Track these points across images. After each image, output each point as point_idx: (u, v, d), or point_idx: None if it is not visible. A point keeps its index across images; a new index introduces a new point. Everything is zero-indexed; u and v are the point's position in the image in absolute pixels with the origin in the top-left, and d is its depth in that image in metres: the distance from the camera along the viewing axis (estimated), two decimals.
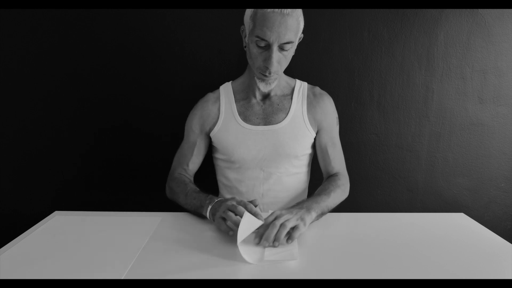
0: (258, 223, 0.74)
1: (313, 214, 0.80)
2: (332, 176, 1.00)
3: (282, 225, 0.72)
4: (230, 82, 1.05)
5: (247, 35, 0.89)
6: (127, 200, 1.32)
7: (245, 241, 0.72)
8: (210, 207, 0.81)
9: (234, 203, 0.77)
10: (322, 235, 0.79)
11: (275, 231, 0.71)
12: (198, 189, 0.92)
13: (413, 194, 1.35)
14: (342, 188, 0.95)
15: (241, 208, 0.74)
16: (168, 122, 1.26)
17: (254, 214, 0.75)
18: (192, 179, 1.02)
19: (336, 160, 1.02)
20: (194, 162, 1.03)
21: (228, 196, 1.04)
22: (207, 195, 0.87)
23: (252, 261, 0.66)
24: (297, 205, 0.82)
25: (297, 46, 0.96)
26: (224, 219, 0.75)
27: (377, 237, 0.78)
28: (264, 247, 0.71)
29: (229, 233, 0.74)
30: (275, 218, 0.74)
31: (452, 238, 0.78)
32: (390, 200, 1.35)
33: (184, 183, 0.95)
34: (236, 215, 0.74)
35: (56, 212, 0.91)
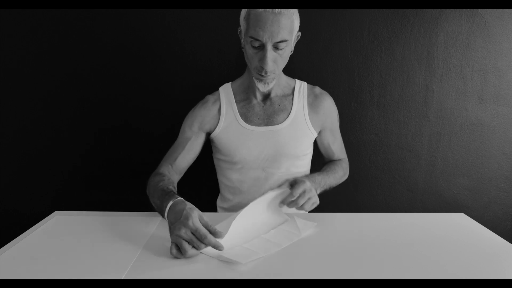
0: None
1: (318, 191, 0.93)
2: (337, 160, 1.09)
3: (302, 206, 0.84)
4: (230, 83, 1.05)
5: (242, 36, 0.89)
6: (127, 200, 1.32)
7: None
8: (167, 209, 0.73)
9: (193, 226, 0.65)
10: (322, 235, 0.78)
11: (302, 201, 0.84)
12: (169, 187, 0.83)
13: (413, 194, 1.35)
14: (344, 171, 1.07)
15: (210, 239, 0.65)
16: (168, 122, 1.26)
17: (214, 234, 0.68)
18: (173, 178, 0.94)
19: (338, 151, 1.09)
20: (184, 158, 0.98)
21: (229, 196, 1.04)
22: (168, 192, 0.79)
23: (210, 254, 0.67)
24: (310, 177, 0.92)
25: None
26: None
27: (377, 237, 0.78)
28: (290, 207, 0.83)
29: (172, 251, 0.66)
30: (304, 191, 0.85)
31: (452, 238, 0.78)
32: (390, 200, 1.35)
33: (158, 181, 0.86)
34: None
35: (56, 212, 0.91)
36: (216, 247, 0.66)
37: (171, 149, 1.02)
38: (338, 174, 1.03)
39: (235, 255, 0.66)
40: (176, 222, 0.68)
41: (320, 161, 1.10)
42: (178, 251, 0.66)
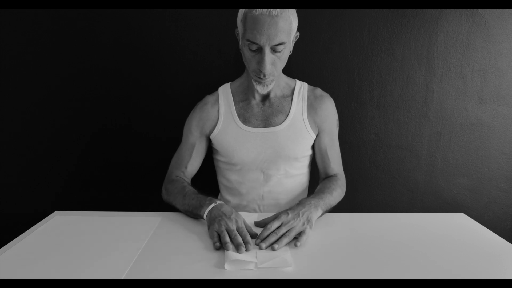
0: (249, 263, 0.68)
1: (319, 211, 0.83)
2: (331, 176, 1.01)
3: (285, 234, 0.74)
4: (229, 83, 1.04)
5: (240, 39, 0.89)
6: (127, 200, 1.32)
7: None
8: (210, 207, 0.81)
9: (234, 228, 0.74)
10: (322, 235, 0.79)
11: (275, 238, 0.73)
12: (196, 191, 0.91)
13: (413, 194, 1.35)
14: (342, 188, 0.99)
15: (239, 239, 0.71)
16: (168, 122, 1.26)
17: (245, 244, 0.71)
18: (190, 182, 1.01)
19: (335, 161, 1.02)
20: (193, 165, 1.01)
21: (228, 197, 1.04)
22: (206, 196, 0.86)
23: (242, 267, 0.64)
24: (302, 203, 0.83)
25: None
26: (219, 235, 0.74)
27: (377, 237, 0.78)
28: (262, 249, 0.71)
29: (215, 244, 0.71)
30: (280, 226, 0.76)
31: (452, 238, 0.78)
32: (390, 200, 1.35)
33: (182, 185, 0.93)
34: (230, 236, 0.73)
35: (56, 212, 0.91)
36: (246, 245, 0.71)
37: (179, 155, 1.02)
38: (336, 192, 0.94)
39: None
40: (223, 216, 0.77)
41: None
42: (220, 242, 0.72)
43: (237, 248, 0.69)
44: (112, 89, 1.24)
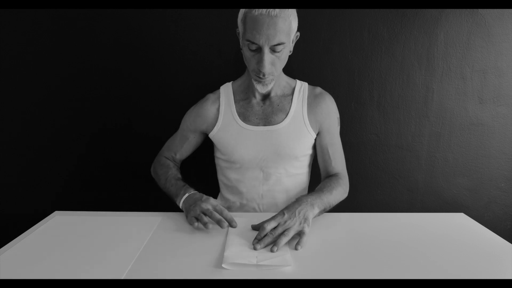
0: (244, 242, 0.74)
1: (316, 210, 0.81)
2: (332, 175, 0.99)
3: (283, 234, 0.73)
4: (231, 82, 1.05)
5: (240, 38, 0.89)
6: (127, 200, 1.32)
7: (233, 244, 0.72)
8: (184, 198, 0.87)
9: (210, 207, 0.81)
10: (322, 235, 0.79)
11: (270, 239, 0.72)
12: (179, 176, 0.98)
13: (413, 194, 1.35)
14: (343, 187, 0.96)
15: (216, 215, 0.78)
16: (168, 122, 1.26)
17: (229, 221, 0.79)
18: (178, 165, 1.07)
19: (337, 160, 1.01)
20: (182, 154, 1.08)
21: (228, 196, 1.04)
22: (183, 184, 0.92)
23: (242, 263, 0.65)
24: (298, 200, 0.82)
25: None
26: (197, 218, 0.80)
27: (377, 237, 0.78)
28: (256, 249, 0.70)
29: (194, 225, 0.79)
30: (276, 226, 0.75)
31: (452, 238, 0.78)
32: (390, 200, 1.35)
33: (167, 167, 1.00)
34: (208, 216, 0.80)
35: (56, 212, 0.91)
36: (230, 222, 0.78)
37: (172, 140, 1.09)
38: (336, 191, 0.91)
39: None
40: (197, 202, 0.82)
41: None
42: (199, 222, 0.79)
43: (219, 224, 0.76)
44: (112, 89, 1.24)
